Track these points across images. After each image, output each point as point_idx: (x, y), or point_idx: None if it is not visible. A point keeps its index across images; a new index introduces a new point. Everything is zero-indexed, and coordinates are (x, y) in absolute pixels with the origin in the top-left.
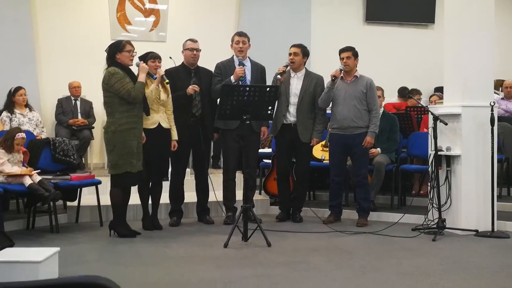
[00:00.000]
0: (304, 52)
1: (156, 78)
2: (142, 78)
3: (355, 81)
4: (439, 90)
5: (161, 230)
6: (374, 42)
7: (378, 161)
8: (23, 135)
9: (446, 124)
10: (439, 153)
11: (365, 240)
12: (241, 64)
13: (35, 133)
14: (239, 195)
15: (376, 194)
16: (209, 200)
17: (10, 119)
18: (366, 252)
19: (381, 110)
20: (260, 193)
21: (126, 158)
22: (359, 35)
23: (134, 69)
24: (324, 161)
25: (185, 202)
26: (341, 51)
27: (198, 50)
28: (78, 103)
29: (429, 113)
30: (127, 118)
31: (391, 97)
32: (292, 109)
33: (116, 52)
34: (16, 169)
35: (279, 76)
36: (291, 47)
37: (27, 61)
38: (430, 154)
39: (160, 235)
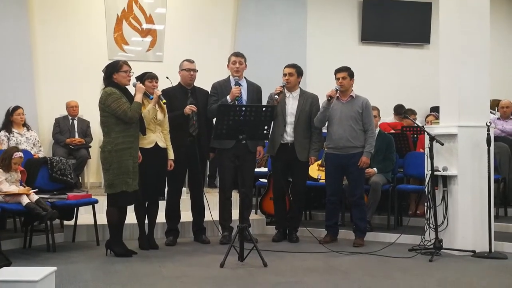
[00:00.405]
0: (299, 72)
1: (152, 98)
2: (138, 98)
3: (350, 101)
4: (435, 110)
5: (157, 250)
6: (370, 62)
7: (374, 181)
8: (21, 154)
9: (442, 144)
10: (435, 173)
11: (361, 260)
12: (237, 84)
13: (32, 152)
14: (235, 214)
15: (373, 214)
16: (205, 219)
17: (8, 138)
18: (363, 272)
19: (377, 130)
20: (256, 213)
21: (122, 178)
22: (355, 55)
23: (131, 89)
24: (320, 181)
25: (181, 221)
26: (337, 71)
27: (195, 70)
28: (76, 122)
29: (425, 133)
30: (123, 137)
31: (386, 116)
32: (289, 128)
33: (113, 72)
34: (14, 188)
35: (276, 96)
36: (285, 67)
37: (25, 81)
38: (427, 174)
39: (156, 255)
